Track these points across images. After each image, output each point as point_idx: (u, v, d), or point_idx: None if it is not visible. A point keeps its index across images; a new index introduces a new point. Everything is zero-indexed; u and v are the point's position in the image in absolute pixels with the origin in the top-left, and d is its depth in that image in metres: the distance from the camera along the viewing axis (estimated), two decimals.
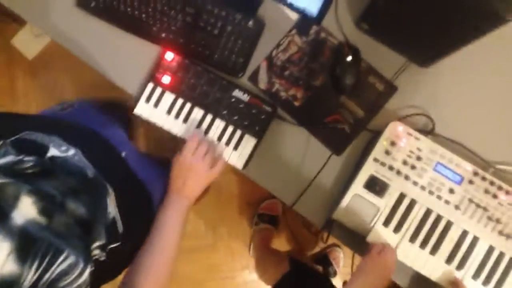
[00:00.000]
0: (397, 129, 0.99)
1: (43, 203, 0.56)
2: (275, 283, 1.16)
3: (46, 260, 0.51)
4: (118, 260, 0.76)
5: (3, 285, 0.47)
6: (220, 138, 1.03)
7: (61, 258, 0.53)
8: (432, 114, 1.04)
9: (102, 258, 0.65)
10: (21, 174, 0.58)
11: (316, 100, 1.06)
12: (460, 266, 0.98)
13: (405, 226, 0.99)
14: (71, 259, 0.54)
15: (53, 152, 0.66)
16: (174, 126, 1.03)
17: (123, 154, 0.86)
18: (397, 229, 0.99)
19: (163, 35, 1.03)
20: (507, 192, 0.97)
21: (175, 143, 1.03)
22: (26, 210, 0.54)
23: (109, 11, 1.04)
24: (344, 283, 1.22)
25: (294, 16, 1.06)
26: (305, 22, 1.05)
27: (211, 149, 0.98)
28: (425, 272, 0.98)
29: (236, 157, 1.03)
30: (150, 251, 0.83)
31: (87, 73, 1.85)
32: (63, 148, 0.68)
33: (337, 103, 1.06)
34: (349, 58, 1.01)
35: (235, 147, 1.03)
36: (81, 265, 0.56)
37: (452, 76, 1.06)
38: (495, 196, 0.98)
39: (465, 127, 1.05)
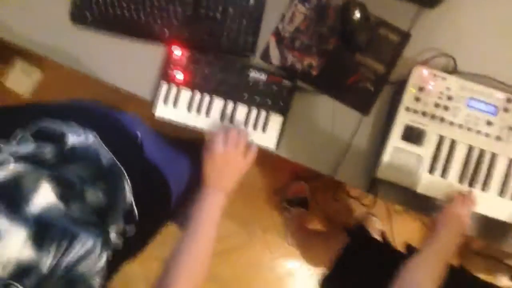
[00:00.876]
0: (422, 73, 0.97)
1: (62, 188, 0.57)
2: (336, 259, 1.13)
3: (64, 245, 0.53)
4: (133, 244, 0.75)
5: (22, 270, 0.49)
6: (246, 123, 1.01)
7: (79, 243, 0.54)
8: (451, 52, 1.02)
9: (119, 248, 0.65)
10: (42, 162, 0.59)
11: (332, 64, 1.04)
12: None
13: (451, 168, 0.97)
14: (88, 244, 0.55)
15: (71, 139, 0.66)
16: (198, 121, 1.01)
17: (138, 134, 0.85)
18: (444, 173, 0.97)
19: (167, 31, 1.01)
20: None
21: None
22: (45, 195, 0.55)
23: (106, 20, 1.02)
24: (408, 246, 1.20)
25: None
26: None
27: (242, 136, 0.95)
28: (481, 210, 0.97)
29: (266, 139, 1.01)
30: (188, 251, 0.82)
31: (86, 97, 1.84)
32: (81, 134, 0.68)
33: (354, 62, 1.04)
34: (357, 15, 0.99)
35: (263, 129, 1.01)
36: (98, 251, 0.57)
37: (461, 11, 1.04)
38: None
39: (486, 58, 1.03)
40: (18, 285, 0.48)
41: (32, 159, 0.58)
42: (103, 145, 0.70)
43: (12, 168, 0.54)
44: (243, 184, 1.93)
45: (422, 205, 1.02)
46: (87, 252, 0.55)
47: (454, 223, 0.88)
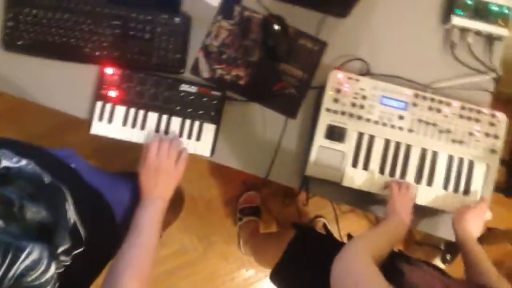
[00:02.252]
0: (337, 76, 1.06)
1: (0, 206, 0.58)
2: (283, 252, 1.19)
3: (8, 258, 0.53)
4: (86, 266, 0.77)
5: None
6: (181, 133, 1.06)
7: (23, 255, 0.55)
8: (365, 57, 1.13)
9: (68, 263, 0.67)
10: None
11: (258, 74, 1.12)
12: (429, 182, 1.07)
13: (371, 161, 1.06)
14: (34, 255, 0.57)
15: (5, 163, 0.67)
16: (133, 135, 1.05)
17: (73, 165, 0.87)
18: (365, 166, 1.06)
19: (97, 53, 1.06)
20: (448, 104, 1.07)
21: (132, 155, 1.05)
22: None
23: (37, 46, 1.05)
24: (349, 235, 1.27)
25: (215, 2, 1.11)
26: (227, 5, 1.11)
27: (173, 146, 0.99)
28: None
29: (201, 147, 1.07)
30: (130, 251, 0.83)
31: (31, 124, 1.83)
32: (15, 159, 0.69)
33: (278, 71, 1.12)
34: (276, 27, 1.07)
35: (198, 138, 1.06)
36: (45, 261, 0.58)
37: (372, 19, 1.15)
38: (439, 111, 1.07)
39: (395, 60, 1.14)
40: None
41: None
42: (39, 168, 0.71)
43: None
44: (194, 199, 1.99)
45: (356, 199, 1.11)
46: (34, 262, 0.56)
47: (399, 208, 0.97)
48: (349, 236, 1.27)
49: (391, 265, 0.85)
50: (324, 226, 1.30)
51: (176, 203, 1.91)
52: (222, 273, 2.00)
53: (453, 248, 1.81)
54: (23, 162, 0.70)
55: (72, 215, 0.71)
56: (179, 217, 1.95)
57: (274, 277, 1.24)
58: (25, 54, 1.06)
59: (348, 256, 0.79)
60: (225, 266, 2.00)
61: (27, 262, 0.55)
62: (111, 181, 1.00)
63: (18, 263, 0.54)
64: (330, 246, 1.14)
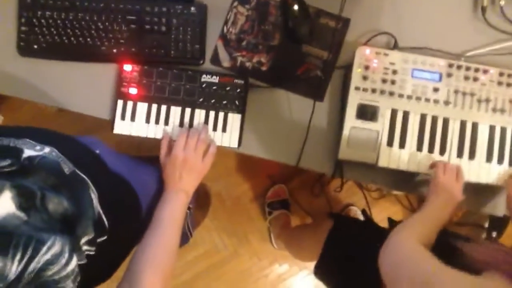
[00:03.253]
0: (364, 52, 1.01)
1: (22, 198, 0.57)
2: (323, 244, 1.14)
3: (29, 251, 0.52)
4: (109, 256, 0.76)
5: None
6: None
7: (44, 248, 0.54)
8: (389, 30, 1.07)
9: (92, 253, 0.65)
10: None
11: (281, 58, 1.07)
12: (471, 156, 1.01)
13: (408, 138, 1.01)
14: (54, 249, 0.55)
15: (28, 152, 0.66)
16: (157, 132, 1.02)
17: (97, 151, 0.85)
18: (401, 144, 1.01)
19: (115, 50, 1.03)
20: (485, 71, 1.01)
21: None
22: (5, 205, 0.55)
23: (54, 49, 1.03)
24: (391, 220, 1.22)
25: None
26: None
27: (201, 140, 0.97)
28: None
29: (228, 139, 1.03)
30: (151, 247, 0.82)
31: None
32: (38, 147, 0.68)
33: (301, 53, 1.07)
34: (296, 8, 1.03)
35: (224, 129, 1.03)
36: (66, 254, 0.56)
37: None
38: (475, 79, 1.01)
39: (423, 31, 1.08)
40: None
41: None
42: (62, 156, 0.70)
43: None
44: (221, 197, 1.96)
45: (394, 180, 1.06)
46: (55, 256, 0.55)
47: (442, 191, 0.90)
48: (390, 220, 1.22)
49: (447, 245, 0.80)
50: (363, 211, 1.25)
51: (203, 202, 1.89)
52: (255, 270, 1.96)
53: (499, 224, 1.73)
54: (46, 149, 0.69)
55: (96, 205, 0.69)
56: (207, 216, 1.93)
57: (318, 272, 1.19)
58: (42, 58, 1.04)
59: (393, 249, 0.75)
60: (257, 262, 1.96)
61: (48, 256, 0.54)
62: (135, 167, 0.99)
63: (39, 256, 0.53)
64: (373, 232, 1.09)
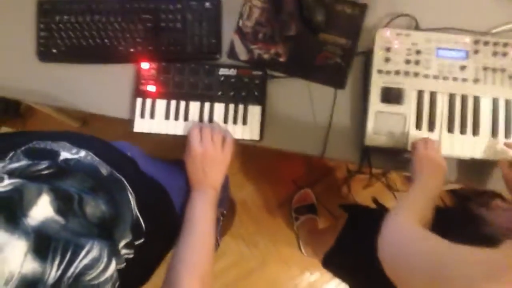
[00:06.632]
0: (386, 34, 0.98)
1: (60, 201, 0.55)
2: (337, 235, 1.09)
3: (68, 255, 0.50)
4: (147, 259, 0.74)
5: (27, 284, 0.46)
6: (226, 119, 1.00)
7: (83, 252, 0.52)
8: (409, 12, 1.04)
9: (131, 256, 0.64)
10: (36, 176, 0.58)
11: (298, 48, 1.05)
12: (508, 133, 0.95)
13: (437, 120, 0.96)
14: (93, 254, 0.53)
15: (64, 155, 0.65)
16: (177, 128, 1.00)
17: (129, 154, 0.85)
18: (431, 127, 0.96)
19: (132, 50, 1.03)
20: None
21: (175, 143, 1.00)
22: (43, 209, 0.53)
23: (73, 52, 1.04)
24: (374, 199, 1.17)
25: None
26: None
27: (216, 131, 0.95)
28: (478, 155, 0.95)
29: (249, 131, 1.00)
30: (187, 249, 0.80)
31: None
32: (74, 150, 0.68)
33: (318, 42, 1.05)
34: None
35: (244, 122, 1.00)
36: (104, 259, 0.55)
37: None
38: (505, 54, 0.96)
39: (444, 11, 1.04)
40: None
41: (26, 174, 0.57)
42: (98, 159, 0.70)
43: (9, 182, 0.52)
44: (246, 205, 1.92)
45: None
46: (94, 260, 0.53)
47: (426, 165, 0.85)
48: (374, 200, 1.15)
49: (469, 214, 0.74)
50: (374, 200, 1.18)
51: (228, 210, 1.86)
52: (284, 279, 1.90)
53: None
54: (82, 153, 0.68)
55: (134, 208, 0.68)
56: (233, 225, 1.89)
57: (327, 261, 1.14)
58: (61, 62, 1.05)
59: (393, 238, 0.67)
60: (287, 271, 1.90)
61: (86, 260, 0.52)
62: (166, 169, 0.97)
63: (77, 261, 0.51)
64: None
